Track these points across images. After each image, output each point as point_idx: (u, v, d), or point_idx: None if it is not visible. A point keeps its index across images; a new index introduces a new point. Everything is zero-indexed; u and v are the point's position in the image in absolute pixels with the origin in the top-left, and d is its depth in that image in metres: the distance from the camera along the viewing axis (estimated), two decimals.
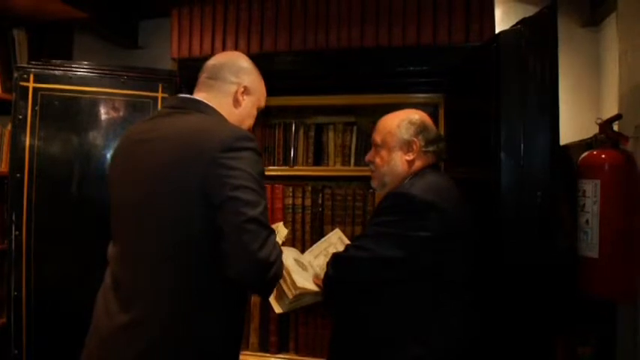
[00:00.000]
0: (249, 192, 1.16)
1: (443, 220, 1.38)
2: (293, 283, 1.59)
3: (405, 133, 1.55)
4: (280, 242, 1.73)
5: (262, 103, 1.53)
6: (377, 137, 1.61)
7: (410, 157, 1.54)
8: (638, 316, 1.63)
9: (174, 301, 1.22)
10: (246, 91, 1.43)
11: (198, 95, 1.40)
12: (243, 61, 1.47)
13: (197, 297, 1.23)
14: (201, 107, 1.36)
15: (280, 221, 2.21)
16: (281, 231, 1.80)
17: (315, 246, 1.95)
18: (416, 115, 1.58)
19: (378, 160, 1.60)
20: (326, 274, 1.54)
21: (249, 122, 1.49)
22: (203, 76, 1.44)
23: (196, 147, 1.21)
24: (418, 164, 1.55)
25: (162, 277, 1.23)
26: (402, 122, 1.56)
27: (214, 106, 1.37)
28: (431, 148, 1.55)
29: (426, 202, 1.37)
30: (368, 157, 1.65)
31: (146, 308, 1.22)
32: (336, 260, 1.53)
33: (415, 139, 1.54)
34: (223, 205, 1.15)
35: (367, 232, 1.49)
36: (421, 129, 1.55)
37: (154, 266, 1.23)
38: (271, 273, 1.16)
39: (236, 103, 1.42)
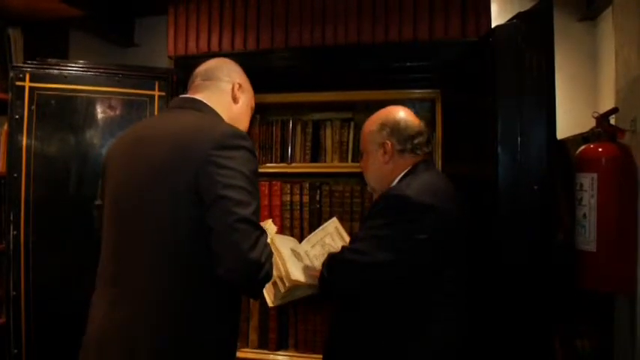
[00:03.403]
0: (241, 191, 1.16)
1: (439, 221, 1.37)
2: (287, 274, 1.59)
3: (379, 137, 1.55)
4: (269, 239, 1.73)
5: (253, 103, 1.56)
6: (361, 146, 1.64)
7: (385, 158, 1.54)
8: (636, 308, 1.64)
9: (167, 302, 1.22)
10: (241, 88, 1.46)
11: (196, 97, 1.41)
12: (232, 64, 1.51)
13: (191, 297, 1.23)
14: (198, 106, 1.37)
15: (269, 219, 2.21)
16: (269, 228, 1.80)
17: (312, 235, 1.95)
18: (389, 115, 1.57)
19: (362, 165, 1.63)
20: (322, 274, 1.52)
21: (246, 121, 1.51)
22: (197, 80, 1.45)
23: (190, 145, 1.21)
24: (402, 163, 1.53)
25: (157, 276, 1.22)
26: (374, 126, 1.57)
27: (212, 105, 1.38)
28: (407, 146, 1.53)
29: (421, 204, 1.36)
30: (360, 165, 1.68)
31: (140, 308, 1.22)
32: (331, 263, 1.51)
33: (387, 141, 1.53)
34: (214, 203, 1.15)
35: (362, 235, 1.46)
36: (393, 130, 1.54)
37: (151, 266, 1.23)
38: (262, 274, 1.16)
39: (234, 99, 1.45)
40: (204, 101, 1.38)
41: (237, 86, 1.45)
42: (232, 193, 1.15)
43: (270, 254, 1.20)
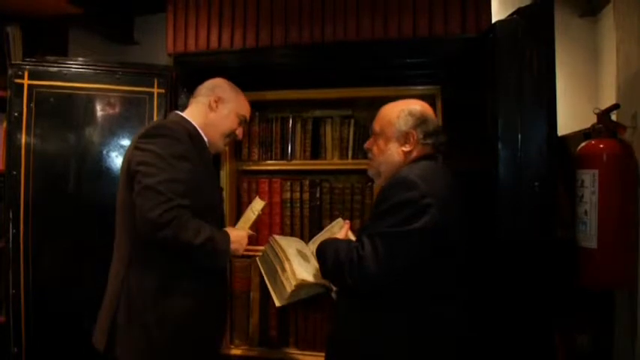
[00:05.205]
0: (150, 167, 1.41)
1: (441, 211, 1.34)
2: (293, 274, 1.59)
3: (404, 125, 1.52)
4: (255, 214, 1.84)
5: (242, 112, 1.77)
6: (376, 125, 1.59)
7: (406, 148, 1.52)
8: (636, 304, 1.64)
9: (133, 281, 1.47)
10: (220, 100, 1.71)
11: (181, 110, 1.71)
12: (221, 82, 1.77)
13: (134, 272, 1.48)
14: (170, 116, 1.69)
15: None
16: (256, 204, 1.88)
17: (318, 235, 1.95)
18: (417, 106, 1.55)
19: (375, 149, 1.58)
20: (357, 256, 1.38)
21: (228, 126, 1.73)
22: (191, 98, 1.76)
23: (133, 140, 1.57)
24: (415, 155, 1.52)
25: (119, 251, 1.54)
26: (401, 113, 1.53)
27: (187, 114, 1.67)
28: (429, 141, 1.52)
29: (429, 193, 1.33)
30: (366, 145, 1.64)
31: (114, 285, 1.52)
32: (352, 265, 1.38)
33: (413, 132, 1.51)
34: (133, 179, 1.42)
35: (377, 230, 1.37)
36: (420, 121, 1.52)
37: (119, 239, 1.56)
38: (164, 233, 1.35)
39: (210, 108, 1.70)
40: (180, 113, 1.68)
41: (214, 98, 1.70)
42: (143, 168, 1.41)
43: (179, 220, 1.36)
